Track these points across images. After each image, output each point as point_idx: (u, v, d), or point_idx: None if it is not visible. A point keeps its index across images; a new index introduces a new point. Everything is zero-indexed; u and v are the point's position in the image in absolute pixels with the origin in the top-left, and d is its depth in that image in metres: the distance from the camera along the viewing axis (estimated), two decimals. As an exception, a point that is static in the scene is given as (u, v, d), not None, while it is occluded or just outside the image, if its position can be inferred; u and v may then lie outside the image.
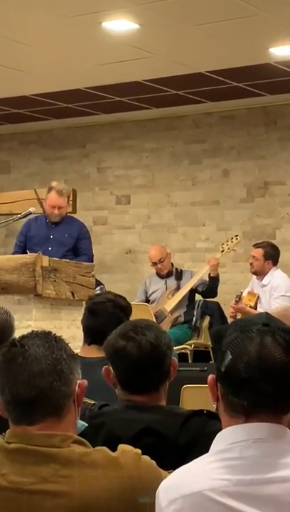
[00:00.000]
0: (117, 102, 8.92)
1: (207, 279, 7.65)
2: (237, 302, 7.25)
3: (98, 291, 5.86)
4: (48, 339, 1.98)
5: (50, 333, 2.02)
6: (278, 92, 8.53)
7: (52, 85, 8.29)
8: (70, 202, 6.83)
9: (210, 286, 7.63)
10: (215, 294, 7.78)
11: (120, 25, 6.57)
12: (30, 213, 6.41)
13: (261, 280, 7.45)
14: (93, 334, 3.78)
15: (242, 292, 7.42)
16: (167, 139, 9.66)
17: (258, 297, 7.45)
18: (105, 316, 3.78)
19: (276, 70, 7.68)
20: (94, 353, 3.70)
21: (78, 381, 1.98)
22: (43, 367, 1.92)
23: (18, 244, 6.76)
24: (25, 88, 8.44)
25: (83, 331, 3.86)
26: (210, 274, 7.61)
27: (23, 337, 2.00)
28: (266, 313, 1.84)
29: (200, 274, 7.72)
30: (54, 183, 6.76)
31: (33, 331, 2.02)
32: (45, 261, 5.63)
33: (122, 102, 8.96)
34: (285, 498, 1.65)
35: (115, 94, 8.65)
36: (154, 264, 7.90)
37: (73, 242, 6.52)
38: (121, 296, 4.04)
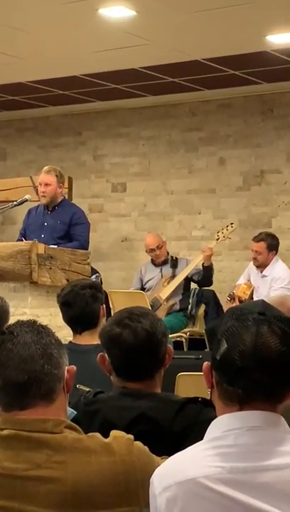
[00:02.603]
0: (114, 89, 8.90)
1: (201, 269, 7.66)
2: (229, 301, 7.20)
3: (93, 279, 5.85)
4: (36, 326, 2.01)
5: (36, 321, 2.04)
6: (275, 80, 8.52)
7: (49, 72, 8.26)
8: (61, 185, 6.62)
9: (205, 276, 7.63)
10: (210, 283, 7.78)
11: (117, 11, 6.54)
12: (26, 200, 6.38)
13: (262, 271, 7.44)
14: (78, 322, 3.80)
15: (233, 293, 7.37)
16: (163, 126, 9.64)
17: (253, 290, 7.43)
18: (79, 300, 3.80)
19: (273, 57, 7.66)
20: (87, 340, 3.72)
21: (67, 367, 1.99)
22: (34, 351, 1.93)
23: (20, 232, 6.75)
24: (22, 75, 8.41)
25: (69, 325, 3.86)
26: (203, 264, 7.61)
27: (10, 325, 2.03)
28: (263, 301, 1.83)
29: (196, 262, 7.71)
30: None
31: (19, 320, 2.05)
32: (41, 248, 5.63)
33: (118, 90, 8.93)
34: (279, 486, 1.65)
35: (111, 82, 8.62)
36: (152, 250, 7.90)
37: (65, 229, 6.43)
38: (84, 278, 4.05)
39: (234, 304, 7.13)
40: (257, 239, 7.47)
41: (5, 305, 3.45)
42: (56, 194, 6.48)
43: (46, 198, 6.47)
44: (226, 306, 7.33)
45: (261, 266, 7.44)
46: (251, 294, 7.39)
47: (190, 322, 7.84)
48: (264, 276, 7.40)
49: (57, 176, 6.47)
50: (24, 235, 6.53)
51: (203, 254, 7.57)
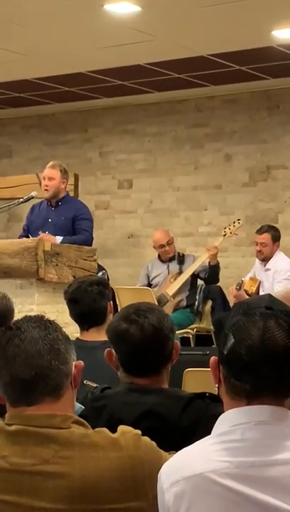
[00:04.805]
0: (119, 85, 8.89)
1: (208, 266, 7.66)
2: (237, 290, 7.18)
3: (100, 276, 5.85)
4: (43, 322, 2.00)
5: (43, 316, 2.04)
6: (280, 75, 8.50)
7: (54, 69, 8.26)
8: (65, 180, 6.61)
9: (212, 274, 7.64)
10: (216, 281, 7.78)
11: (122, 7, 6.54)
12: (32, 197, 6.39)
13: (265, 265, 7.45)
14: (86, 319, 3.80)
15: (243, 280, 7.36)
16: (169, 123, 9.63)
17: (259, 283, 7.43)
18: (86, 296, 3.79)
19: (278, 53, 7.65)
20: (94, 336, 3.72)
21: (74, 362, 1.99)
22: (41, 347, 1.93)
23: (24, 228, 6.75)
24: (27, 72, 8.41)
25: (76, 322, 3.86)
26: (209, 262, 7.61)
27: (17, 321, 2.02)
28: (269, 295, 1.83)
29: (203, 258, 7.72)
30: None
31: (26, 316, 2.04)
32: (47, 245, 5.64)
33: (124, 86, 8.93)
34: (286, 481, 1.65)
35: (117, 78, 8.62)
36: (162, 246, 7.87)
37: (69, 224, 6.42)
38: (91, 274, 4.03)
39: (240, 292, 7.07)
40: (261, 231, 7.50)
41: (9, 303, 3.43)
42: (59, 189, 6.47)
43: (49, 192, 6.46)
44: (232, 294, 7.26)
45: (266, 259, 7.45)
46: (258, 288, 7.39)
47: (197, 318, 7.84)
48: (267, 269, 7.42)
49: (61, 171, 6.47)
50: (28, 231, 6.54)
51: (209, 253, 7.57)
